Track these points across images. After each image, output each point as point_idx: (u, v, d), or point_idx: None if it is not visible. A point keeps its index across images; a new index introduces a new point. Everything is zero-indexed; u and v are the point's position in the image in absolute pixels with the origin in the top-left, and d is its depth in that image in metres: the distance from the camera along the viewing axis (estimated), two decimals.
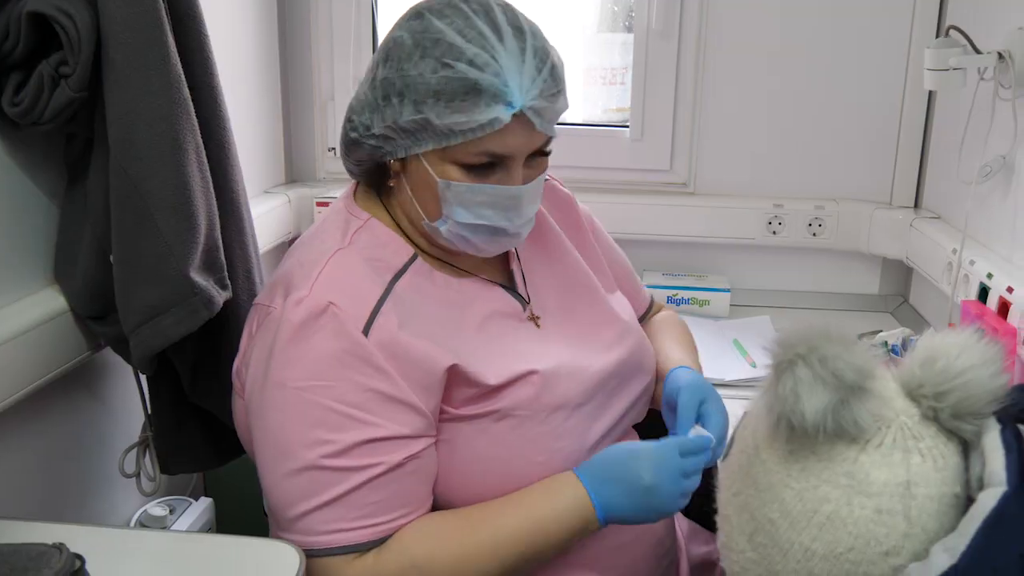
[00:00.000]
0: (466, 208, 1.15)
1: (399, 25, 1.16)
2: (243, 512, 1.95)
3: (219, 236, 1.35)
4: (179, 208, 1.26)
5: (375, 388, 1.11)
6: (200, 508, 1.72)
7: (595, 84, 2.37)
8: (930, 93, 2.19)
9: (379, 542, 1.12)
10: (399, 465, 1.12)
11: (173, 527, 1.66)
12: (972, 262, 1.79)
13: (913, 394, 0.70)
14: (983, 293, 1.72)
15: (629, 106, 2.26)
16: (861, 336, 1.89)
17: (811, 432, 0.67)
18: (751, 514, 0.70)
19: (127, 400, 1.59)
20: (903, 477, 0.66)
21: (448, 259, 1.26)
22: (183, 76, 1.27)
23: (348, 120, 1.20)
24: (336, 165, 2.36)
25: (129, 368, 1.48)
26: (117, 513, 1.65)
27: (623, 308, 1.41)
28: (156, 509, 1.65)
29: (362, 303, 1.14)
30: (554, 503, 1.15)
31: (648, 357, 1.39)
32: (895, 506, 0.66)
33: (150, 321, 1.27)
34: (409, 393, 1.13)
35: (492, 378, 1.18)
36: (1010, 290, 1.61)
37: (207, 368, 1.44)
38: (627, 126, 2.28)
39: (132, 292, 1.27)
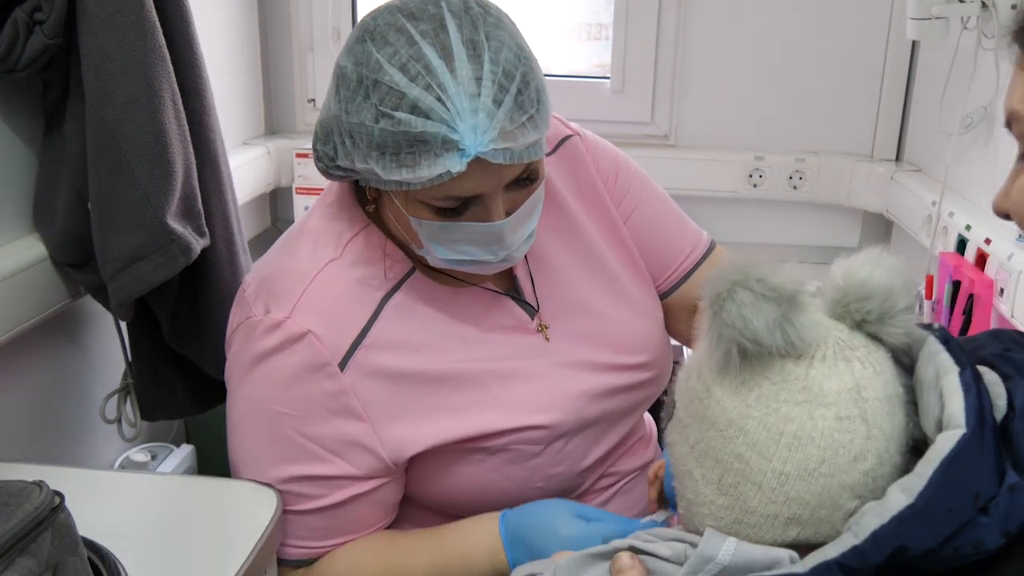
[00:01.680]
0: (442, 245, 1.05)
1: (348, 47, 1.01)
2: (225, 459, 1.96)
3: (196, 184, 1.35)
4: (155, 155, 1.25)
5: (338, 429, 1.08)
6: (182, 454, 1.74)
7: (580, 40, 2.35)
8: (913, 45, 2.19)
9: (314, 560, 1.13)
10: (346, 502, 1.10)
11: (149, 473, 1.68)
12: (951, 214, 1.81)
13: (837, 309, 0.72)
14: (961, 245, 1.74)
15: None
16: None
17: (764, 352, 0.68)
18: (715, 458, 0.71)
19: (108, 347, 1.60)
20: (851, 383, 0.68)
21: (449, 270, 1.14)
22: (158, 23, 1.26)
23: (314, 147, 1.09)
24: (316, 116, 2.33)
25: (110, 315, 1.49)
26: (99, 458, 1.66)
27: (642, 305, 1.29)
28: (138, 455, 1.66)
29: (344, 333, 1.08)
30: (469, 551, 1.10)
31: (663, 377, 1.29)
32: (852, 411, 0.68)
33: (128, 268, 1.27)
34: (374, 440, 1.08)
35: (487, 429, 1.11)
36: (988, 242, 1.63)
37: (186, 315, 1.45)
38: (608, 78, 2.28)
39: (110, 239, 1.27)
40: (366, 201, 1.13)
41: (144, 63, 1.23)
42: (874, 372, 0.70)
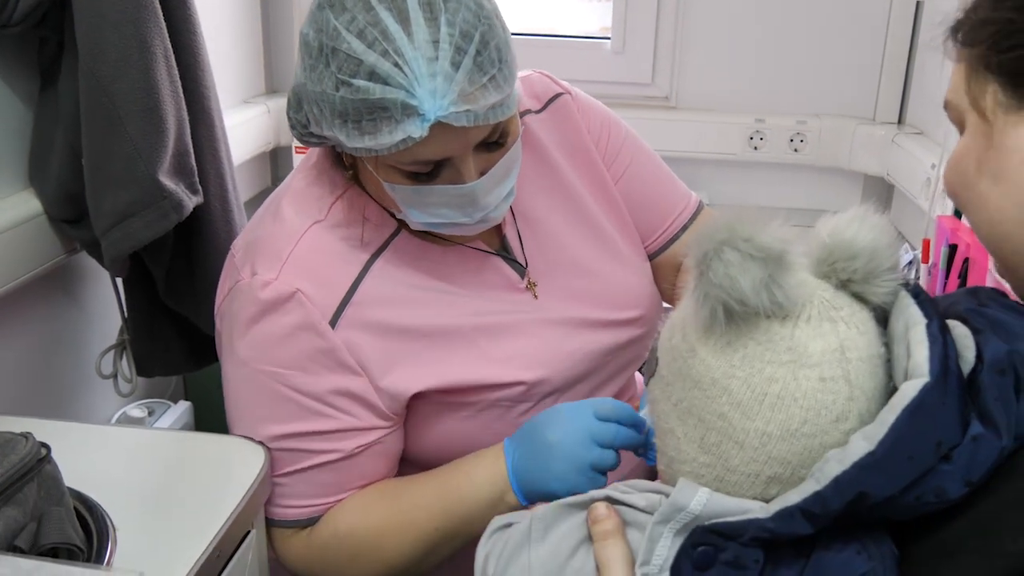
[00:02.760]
0: (418, 209, 1.05)
1: (310, 13, 1.00)
2: (223, 415, 1.98)
3: (189, 141, 1.35)
4: (147, 111, 1.26)
5: (334, 383, 1.08)
6: (179, 411, 1.76)
7: (584, 0, 2.33)
8: (917, 6, 2.17)
9: (315, 519, 1.14)
10: (353, 453, 1.11)
11: (143, 427, 1.70)
12: None
13: (822, 268, 0.72)
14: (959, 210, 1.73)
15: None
16: None
17: (751, 312, 0.68)
18: (698, 417, 0.72)
19: (104, 303, 1.61)
20: (836, 343, 0.68)
21: (433, 231, 1.14)
22: None
23: (287, 114, 1.09)
24: None
25: (105, 272, 1.50)
26: (96, 414, 1.68)
27: (632, 262, 1.29)
28: (135, 411, 1.68)
29: (332, 291, 1.09)
30: (472, 467, 1.09)
31: (653, 334, 1.24)
32: (835, 372, 0.68)
33: (120, 224, 1.28)
34: (370, 391, 1.09)
35: (475, 382, 1.12)
36: None
37: (181, 272, 1.46)
38: (608, 38, 2.26)
39: (102, 195, 1.28)
40: (345, 166, 1.14)
41: (136, 19, 1.23)
42: (857, 332, 0.70)
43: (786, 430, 0.69)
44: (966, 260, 1.62)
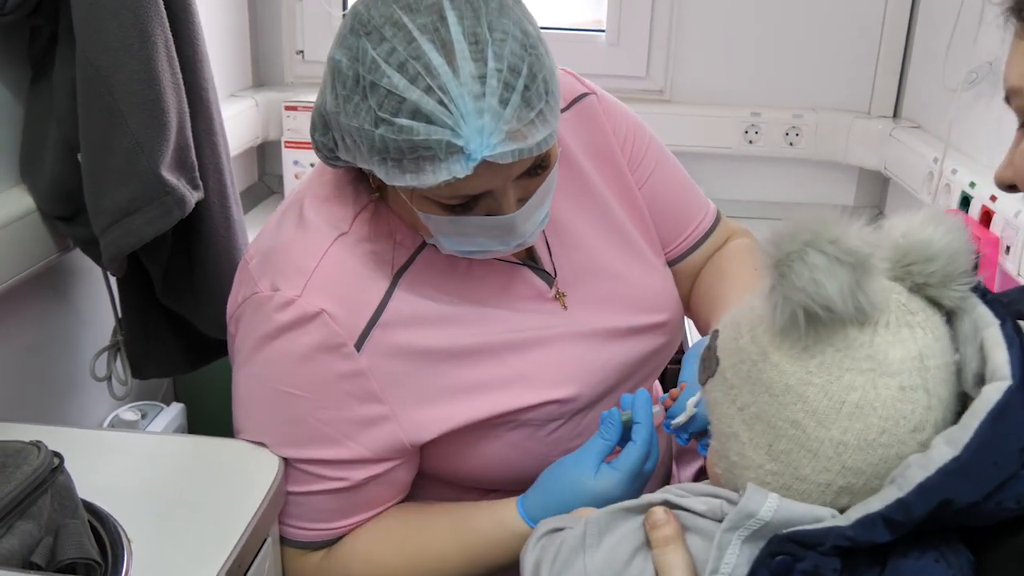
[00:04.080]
0: (452, 238, 1.01)
1: (340, 37, 0.95)
2: (215, 417, 1.93)
3: (190, 134, 1.30)
4: (148, 103, 1.21)
5: (354, 412, 1.03)
6: (172, 413, 1.71)
7: None
8: (913, 1, 2.16)
9: (331, 542, 1.09)
10: (360, 484, 1.06)
11: (145, 431, 1.65)
12: (954, 171, 1.78)
13: (896, 270, 0.69)
14: (965, 202, 1.72)
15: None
16: None
17: (835, 318, 0.65)
18: (768, 423, 0.69)
19: (97, 303, 1.56)
20: (915, 351, 0.66)
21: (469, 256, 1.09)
22: None
23: (312, 136, 1.04)
24: (305, 69, 2.29)
25: (99, 270, 1.45)
26: (88, 417, 1.63)
27: (657, 266, 1.26)
28: (128, 414, 1.63)
29: (359, 312, 1.03)
30: (494, 542, 1.05)
31: (676, 341, 1.26)
32: (915, 381, 0.66)
33: (121, 221, 1.23)
34: (393, 422, 1.04)
35: (508, 407, 1.07)
36: (993, 199, 1.61)
37: (179, 270, 1.41)
38: (603, 31, 2.23)
39: (102, 191, 1.23)
40: (371, 186, 1.09)
41: (136, 8, 1.18)
42: (934, 338, 0.68)
43: (863, 440, 0.66)
44: (976, 254, 1.60)
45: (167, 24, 1.24)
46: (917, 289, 0.69)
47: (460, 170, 0.89)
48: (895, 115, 2.25)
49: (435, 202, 0.97)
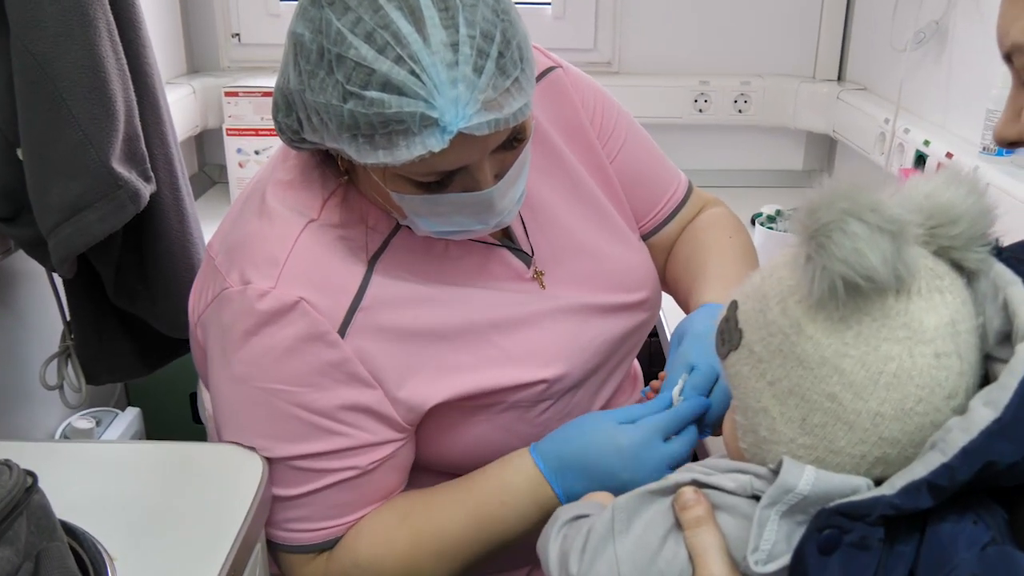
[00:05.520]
0: (428, 218, 0.97)
1: (301, 9, 0.88)
2: (171, 420, 1.87)
3: (139, 123, 1.23)
4: (94, 91, 1.14)
5: (346, 398, 0.98)
6: (128, 418, 1.65)
7: None
8: None
9: (337, 540, 1.04)
10: (369, 469, 1.01)
11: (102, 439, 1.58)
12: (907, 130, 1.79)
13: (920, 233, 0.67)
14: (920, 160, 1.72)
15: None
16: (789, 211, 1.89)
17: (877, 288, 0.63)
18: (802, 396, 0.66)
19: (43, 307, 1.49)
20: (948, 317, 0.65)
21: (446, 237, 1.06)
22: None
23: (274, 117, 0.98)
24: (242, 52, 2.21)
25: (43, 272, 1.37)
26: (38, 428, 1.55)
27: (634, 241, 1.23)
28: (81, 422, 1.56)
29: (338, 298, 0.98)
30: (507, 496, 1.01)
31: (655, 316, 1.23)
32: (948, 347, 0.64)
33: (71, 218, 1.16)
34: (384, 403, 1.00)
35: (496, 386, 1.04)
36: (949, 156, 1.61)
37: (130, 269, 1.34)
38: (548, 3, 2.19)
39: (48, 188, 1.16)
40: (339, 167, 1.03)
41: None
42: (961, 302, 0.66)
43: (900, 410, 0.64)
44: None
45: (109, 8, 1.17)
46: (941, 252, 0.68)
47: (435, 143, 0.84)
48: (840, 78, 2.26)
49: (409, 180, 0.92)
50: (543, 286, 1.12)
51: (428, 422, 1.05)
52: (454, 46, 0.83)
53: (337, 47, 0.84)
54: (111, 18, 1.17)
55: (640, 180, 1.25)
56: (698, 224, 1.30)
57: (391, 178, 0.93)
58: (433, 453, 1.09)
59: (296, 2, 0.91)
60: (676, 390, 1.00)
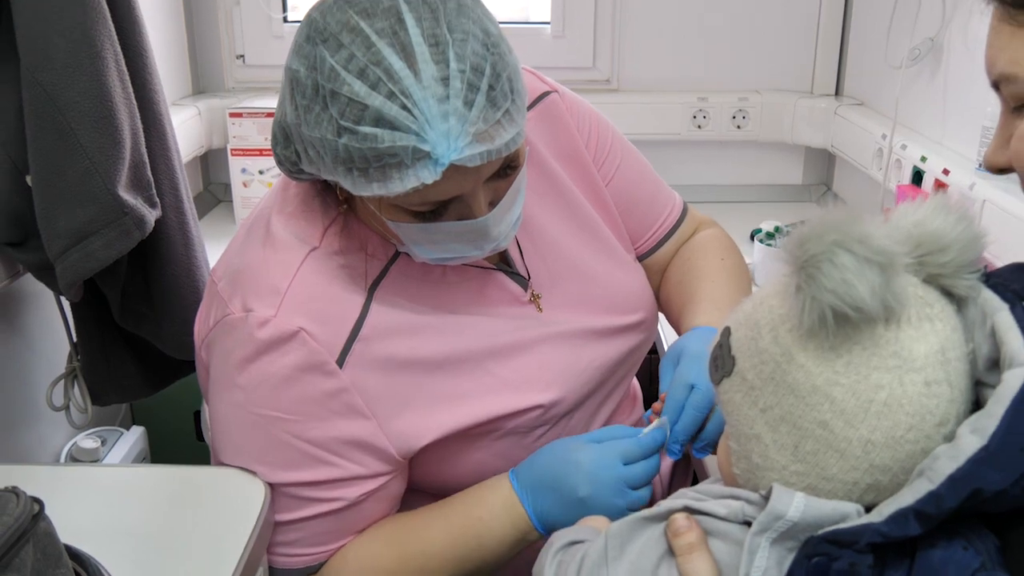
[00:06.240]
0: (425, 245, 0.98)
1: (296, 46, 0.91)
2: (175, 438, 1.89)
3: (144, 150, 1.26)
4: (101, 121, 1.16)
5: (341, 430, 1.00)
6: (133, 437, 1.66)
7: None
8: None
9: (321, 565, 1.06)
10: (357, 501, 1.03)
11: (107, 458, 1.60)
12: (904, 146, 1.80)
13: (909, 261, 0.68)
14: (917, 177, 1.74)
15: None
16: (791, 226, 1.90)
17: (866, 318, 0.64)
18: (793, 424, 0.67)
19: (50, 329, 1.51)
20: (937, 345, 0.66)
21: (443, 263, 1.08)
22: None
23: (273, 149, 1.00)
24: (245, 73, 2.24)
25: (51, 295, 1.39)
26: (45, 447, 1.57)
27: (631, 263, 1.25)
28: (86, 441, 1.58)
29: (337, 328, 1.00)
30: (484, 515, 1.04)
31: (652, 338, 1.25)
32: (939, 375, 0.65)
33: (78, 244, 1.18)
34: (380, 437, 1.02)
35: (494, 413, 1.06)
36: (946, 172, 1.63)
37: (136, 291, 1.36)
38: (547, 23, 2.21)
39: (56, 215, 1.18)
40: (338, 197, 1.06)
41: (84, 23, 1.13)
42: (951, 329, 0.67)
43: (891, 437, 0.65)
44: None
45: (116, 38, 1.19)
46: (930, 279, 0.69)
47: (428, 176, 0.86)
48: (838, 93, 2.28)
49: (404, 210, 0.94)
50: (540, 309, 1.13)
51: (425, 451, 1.06)
52: (444, 80, 0.85)
53: (331, 83, 0.86)
54: (118, 49, 1.20)
55: (635, 202, 1.27)
56: (692, 245, 1.32)
57: (388, 208, 0.95)
58: (431, 479, 1.10)
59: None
60: (655, 413, 1.04)
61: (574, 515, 0.96)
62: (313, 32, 0.88)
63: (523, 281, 1.13)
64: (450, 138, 0.85)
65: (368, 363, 1.01)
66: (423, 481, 1.11)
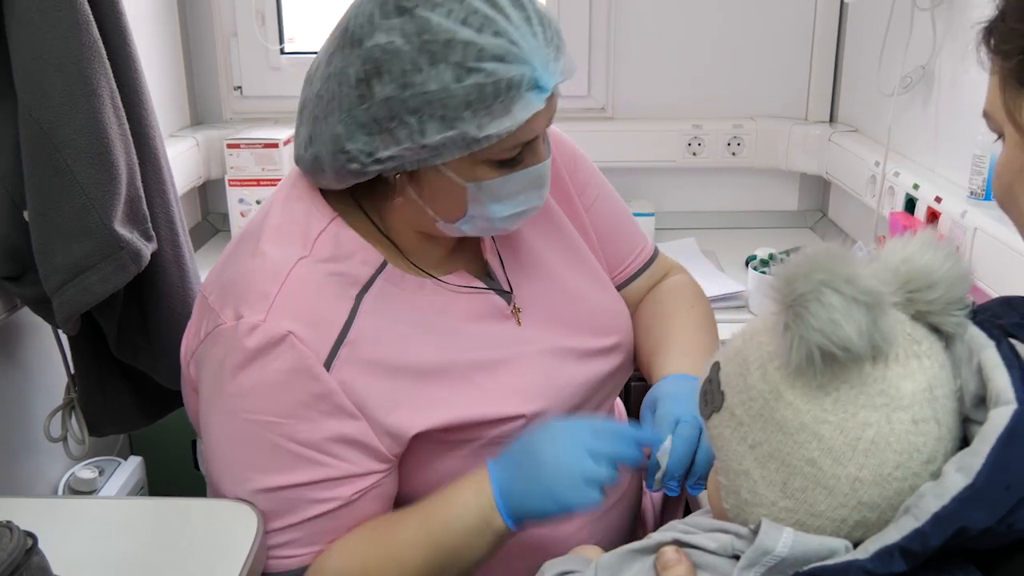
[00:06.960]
0: (501, 201, 1.05)
1: (378, 26, 0.98)
2: (172, 468, 1.89)
3: (140, 184, 1.27)
4: (97, 157, 1.17)
5: (332, 430, 1.03)
6: (130, 468, 1.67)
7: None
8: (841, 8, 2.20)
9: (307, 566, 1.07)
10: (351, 500, 1.05)
11: (104, 488, 1.60)
12: (896, 174, 1.82)
13: (897, 298, 0.69)
14: (910, 204, 1.75)
15: None
16: (784, 253, 1.92)
17: (853, 357, 0.65)
18: (782, 461, 0.68)
19: (47, 361, 1.51)
20: (925, 382, 0.66)
21: (419, 262, 1.13)
22: (91, 16, 1.17)
23: (336, 153, 1.02)
24: (243, 105, 2.25)
25: (47, 328, 1.40)
26: (43, 478, 1.57)
27: (609, 285, 1.30)
28: (84, 472, 1.58)
29: (325, 332, 1.03)
30: (455, 496, 1.05)
31: (630, 361, 1.29)
32: (926, 413, 0.66)
33: (75, 279, 1.19)
34: (369, 435, 1.04)
35: (477, 418, 1.09)
36: (938, 200, 1.64)
37: (133, 324, 1.37)
38: None
39: (53, 250, 1.19)
40: (330, 194, 1.10)
41: (80, 59, 1.15)
42: (939, 367, 0.68)
43: (879, 475, 0.66)
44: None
45: (111, 74, 1.21)
46: (918, 316, 0.69)
47: (538, 102, 0.98)
48: (831, 120, 2.29)
49: (491, 163, 1.02)
50: (519, 323, 1.17)
51: (411, 456, 1.09)
52: (528, 21, 0.98)
53: (444, 35, 0.95)
54: (114, 86, 1.21)
55: (611, 234, 1.33)
56: (662, 289, 1.37)
57: (475, 166, 1.02)
58: (417, 486, 1.12)
59: (331, 41, 1.03)
60: (660, 453, 1.03)
61: (531, 478, 0.99)
62: (399, 5, 0.97)
63: (506, 295, 1.17)
64: (548, 66, 0.98)
65: (355, 366, 1.04)
66: (411, 489, 1.12)
